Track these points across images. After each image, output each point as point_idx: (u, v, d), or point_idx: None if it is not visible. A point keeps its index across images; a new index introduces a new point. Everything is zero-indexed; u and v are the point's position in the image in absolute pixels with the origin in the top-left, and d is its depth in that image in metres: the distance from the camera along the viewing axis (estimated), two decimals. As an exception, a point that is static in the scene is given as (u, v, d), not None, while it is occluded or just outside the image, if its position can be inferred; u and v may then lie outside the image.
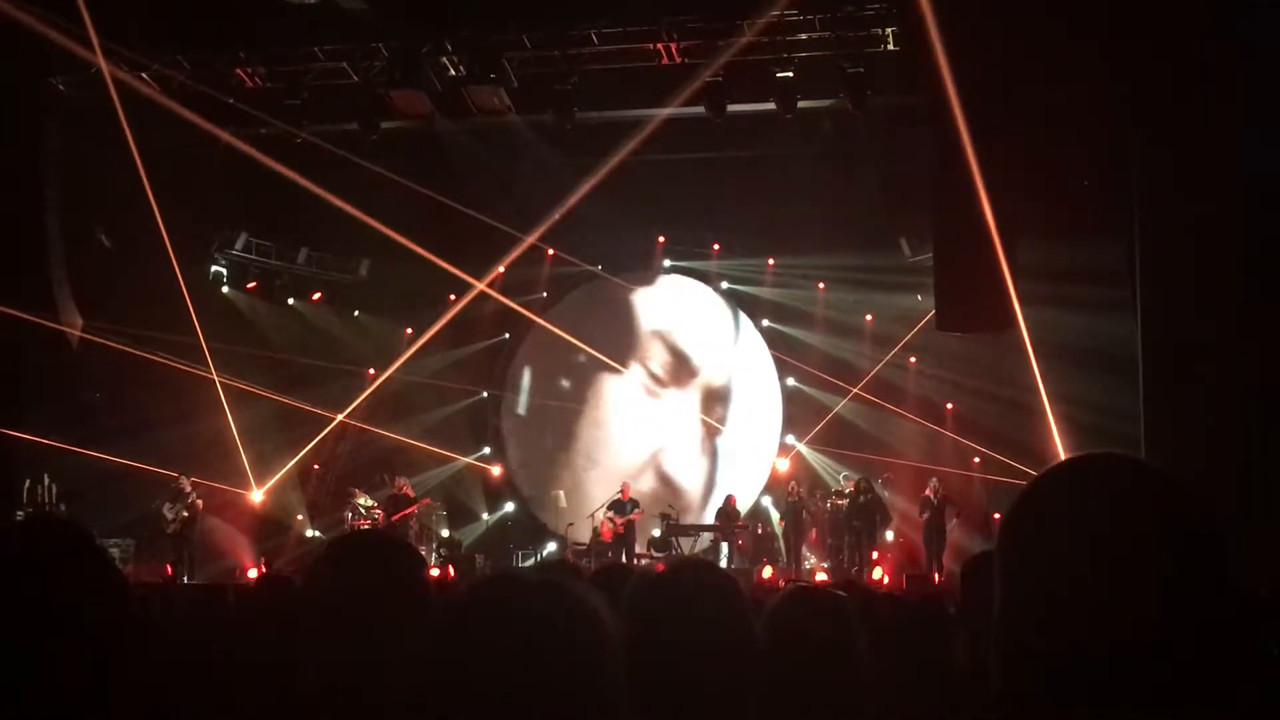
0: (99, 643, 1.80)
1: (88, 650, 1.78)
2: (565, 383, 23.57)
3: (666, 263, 23.03)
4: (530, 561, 19.67)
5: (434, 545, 20.20)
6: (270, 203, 19.43)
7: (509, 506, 22.86)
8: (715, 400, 23.11)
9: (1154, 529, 1.41)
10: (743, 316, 23.07)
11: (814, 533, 19.98)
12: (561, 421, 23.53)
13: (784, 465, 21.55)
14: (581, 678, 1.39)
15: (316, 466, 21.51)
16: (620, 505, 19.56)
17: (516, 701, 1.35)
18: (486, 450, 23.21)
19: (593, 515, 20.25)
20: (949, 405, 20.44)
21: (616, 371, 23.25)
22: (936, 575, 16.86)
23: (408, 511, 18.77)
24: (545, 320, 23.03)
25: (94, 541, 1.91)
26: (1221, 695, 1.37)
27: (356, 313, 23.01)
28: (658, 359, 23.27)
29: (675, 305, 23.36)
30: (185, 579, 16.68)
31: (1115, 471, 1.48)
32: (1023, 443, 16.18)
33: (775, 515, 20.83)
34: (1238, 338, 11.74)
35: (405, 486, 19.35)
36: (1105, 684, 1.37)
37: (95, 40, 14.98)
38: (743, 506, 20.93)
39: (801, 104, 16.30)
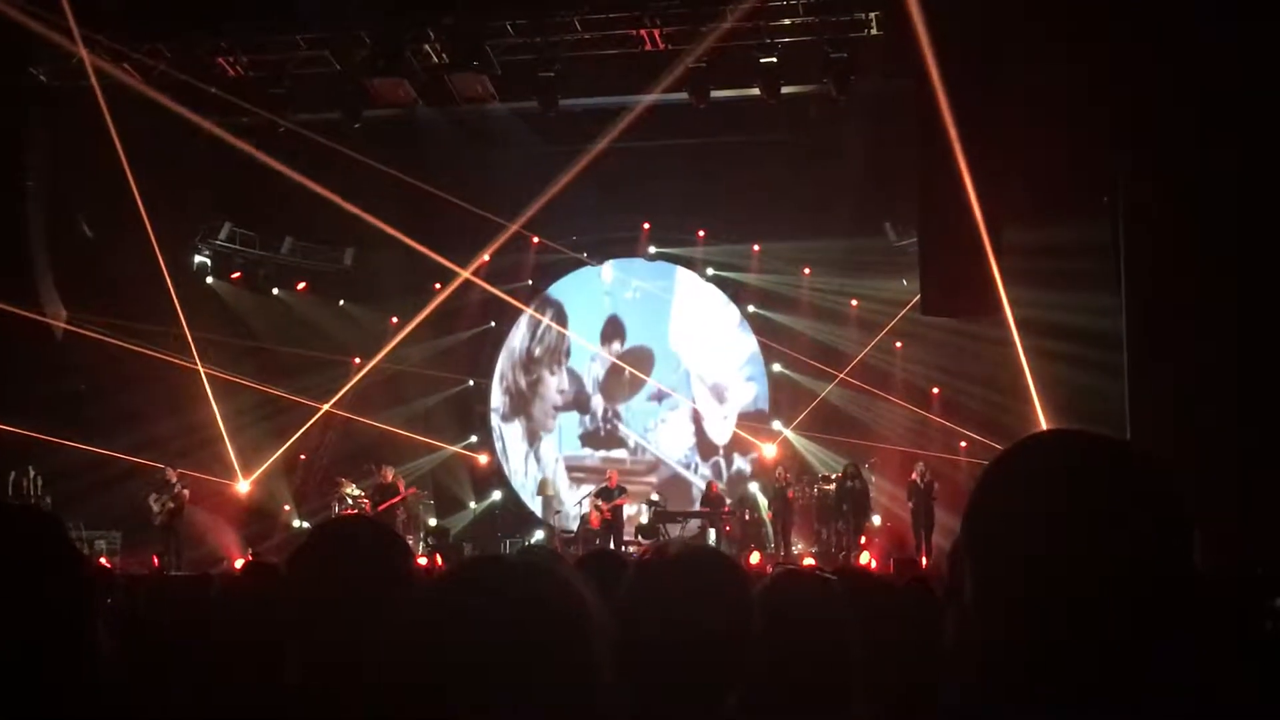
0: (64, 631, 1.79)
1: (50, 637, 1.77)
2: (551, 370, 23.58)
3: (652, 249, 23.03)
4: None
5: (421, 534, 20.20)
6: (254, 192, 19.35)
7: (496, 495, 22.88)
8: (701, 386, 23.13)
9: (1112, 503, 1.39)
10: (729, 302, 23.08)
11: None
12: (548, 408, 23.57)
13: (771, 451, 21.58)
14: (564, 658, 1.38)
15: (303, 456, 21.48)
16: (608, 492, 19.57)
17: (500, 682, 1.35)
18: (473, 439, 23.21)
19: (580, 503, 20.26)
20: (935, 389, 20.47)
21: (602, 357, 23.29)
22: (924, 559, 16.91)
23: (394, 501, 18.72)
24: (531, 308, 23.04)
25: (62, 530, 1.89)
26: (1176, 670, 1.36)
27: (341, 302, 22.96)
28: (642, 345, 23.29)
29: (660, 291, 23.37)
30: (172, 570, 16.64)
31: (1073, 448, 1.47)
32: (1009, 426, 16.21)
33: (763, 501, 20.85)
34: (1221, 321, 11.78)
35: (390, 475, 19.30)
36: (1067, 667, 1.36)
37: (76, 29, 14.89)
38: (729, 492, 20.99)
39: (785, 89, 16.27)
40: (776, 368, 22.46)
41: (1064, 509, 1.40)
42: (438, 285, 20.77)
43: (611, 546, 18.00)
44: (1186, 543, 1.40)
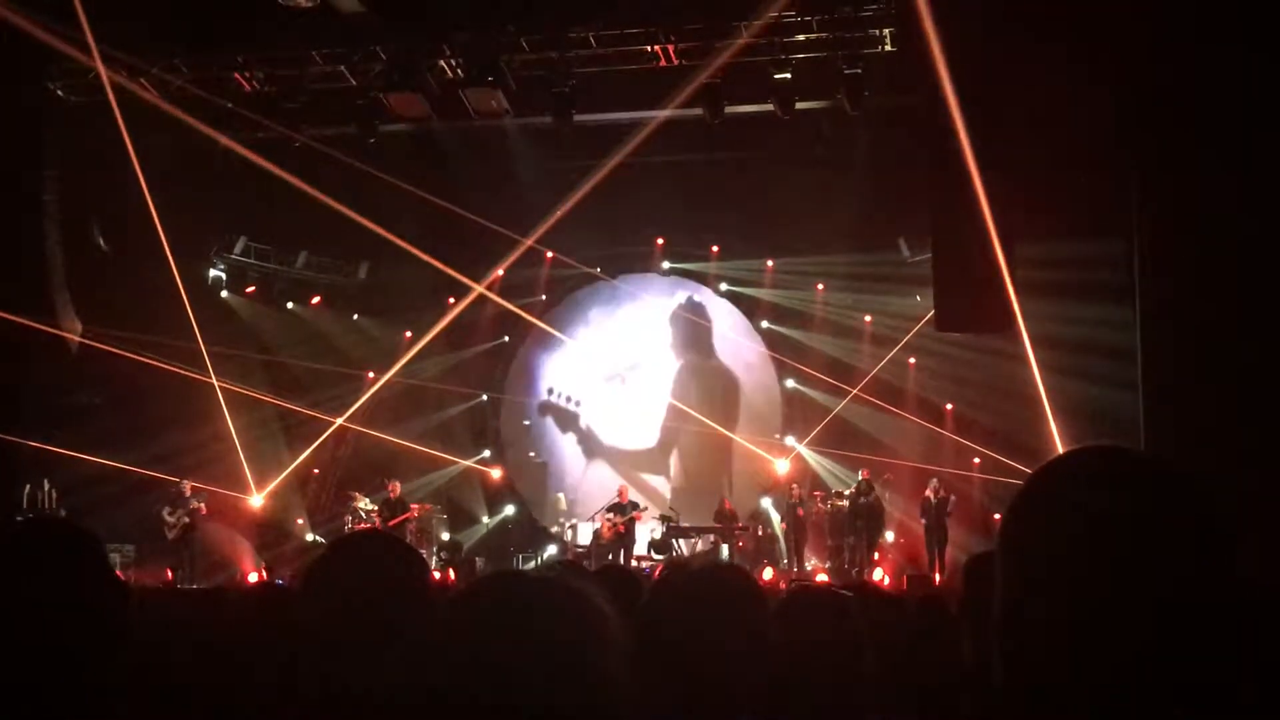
0: (95, 644, 1.81)
1: (84, 651, 1.79)
2: (564, 385, 23.58)
3: (665, 265, 23.03)
4: (531, 565, 19.65)
5: (434, 548, 20.17)
6: (269, 206, 19.40)
7: (509, 509, 22.83)
8: (714, 401, 23.10)
9: (1155, 521, 1.39)
10: (742, 318, 23.07)
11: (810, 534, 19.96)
12: (561, 424, 23.56)
13: (784, 467, 21.53)
14: (583, 672, 1.38)
15: (316, 470, 21.48)
16: (619, 507, 19.53)
17: (518, 696, 1.35)
18: (486, 453, 23.20)
19: (593, 517, 20.25)
20: (948, 405, 20.42)
21: (615, 373, 23.26)
22: (937, 576, 16.86)
23: (405, 517, 18.66)
24: (544, 323, 23.05)
25: (96, 543, 1.91)
26: (1229, 691, 1.36)
27: (355, 316, 23.00)
28: (656, 361, 23.27)
29: (673, 307, 23.37)
30: (186, 583, 16.65)
31: (1113, 463, 1.47)
32: (1022, 442, 16.15)
33: (776, 517, 20.81)
34: (1238, 335, 11.72)
35: (398, 490, 19.19)
36: (1108, 681, 1.36)
37: (93, 44, 14.96)
38: (742, 508, 20.92)
39: (799, 105, 16.30)
40: (790, 383, 22.43)
41: (1099, 524, 1.40)
42: (452, 300, 20.81)
43: (623, 560, 17.98)
44: (1223, 555, 1.40)
